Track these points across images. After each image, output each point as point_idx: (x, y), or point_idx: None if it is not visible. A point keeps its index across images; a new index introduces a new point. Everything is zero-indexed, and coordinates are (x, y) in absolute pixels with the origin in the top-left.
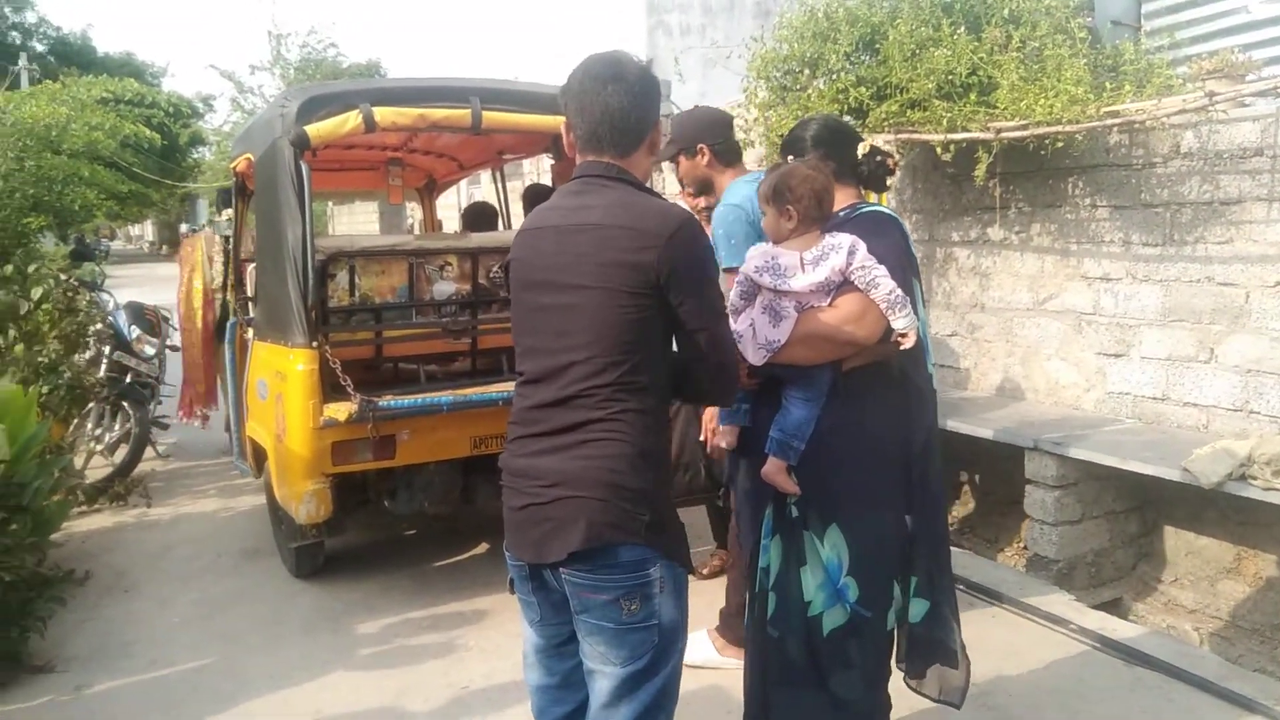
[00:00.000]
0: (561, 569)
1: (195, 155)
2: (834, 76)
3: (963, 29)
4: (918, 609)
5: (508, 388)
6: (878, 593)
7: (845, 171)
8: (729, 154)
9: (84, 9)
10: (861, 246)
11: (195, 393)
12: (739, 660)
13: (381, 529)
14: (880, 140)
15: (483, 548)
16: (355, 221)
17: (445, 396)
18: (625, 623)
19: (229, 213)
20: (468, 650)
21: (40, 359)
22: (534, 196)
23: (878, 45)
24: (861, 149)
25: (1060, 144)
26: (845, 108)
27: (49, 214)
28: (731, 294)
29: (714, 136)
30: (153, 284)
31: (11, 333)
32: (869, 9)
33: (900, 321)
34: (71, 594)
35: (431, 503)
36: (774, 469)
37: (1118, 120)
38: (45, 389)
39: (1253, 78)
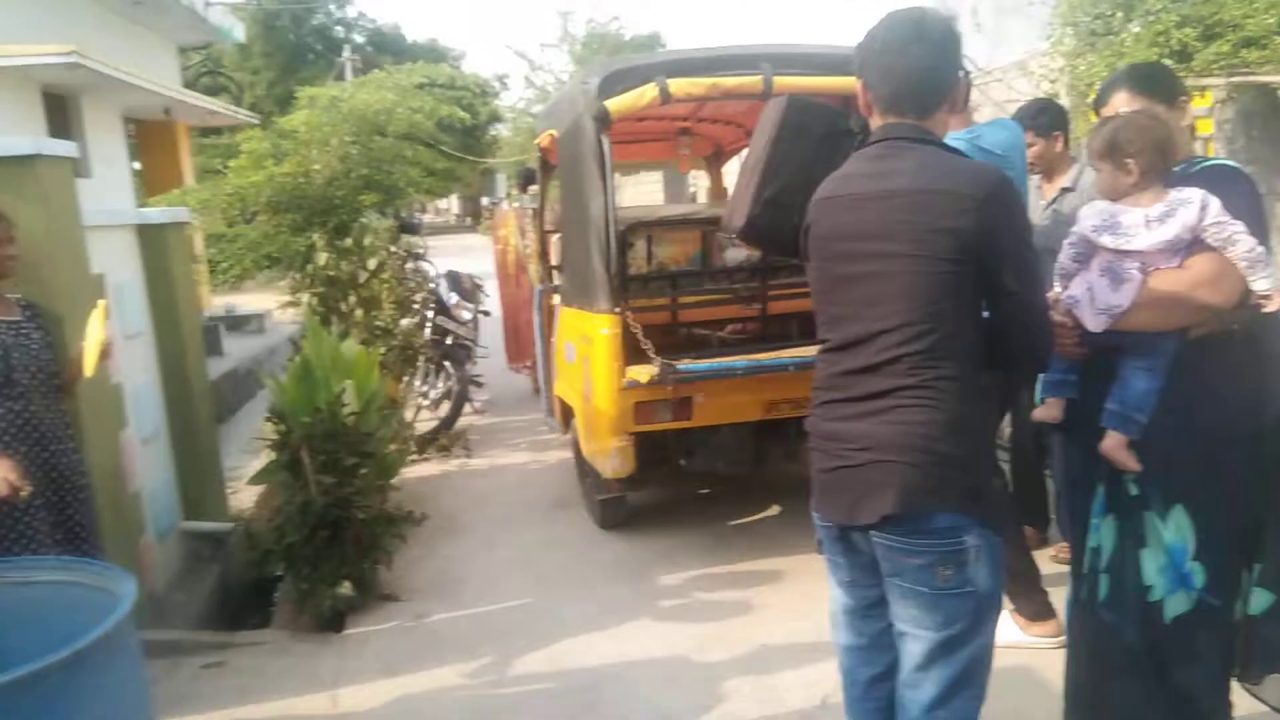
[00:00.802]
0: (872, 532)
1: (493, 131)
2: (1152, 18)
3: None
4: (1260, 600)
5: (800, 353)
6: (1227, 579)
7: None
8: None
9: (395, 1)
10: (1215, 201)
11: (516, 349)
12: (1045, 636)
13: (678, 487)
14: (1214, 83)
15: (775, 510)
16: (640, 192)
17: (740, 361)
18: (940, 588)
19: (534, 189)
20: (767, 608)
21: (377, 323)
22: None
23: None
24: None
25: None
26: (1166, 51)
27: (379, 191)
28: (1062, 255)
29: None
30: (460, 253)
31: (352, 299)
32: None
33: (1262, 283)
34: (411, 532)
35: (725, 464)
36: (1114, 444)
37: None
38: (382, 350)
39: None
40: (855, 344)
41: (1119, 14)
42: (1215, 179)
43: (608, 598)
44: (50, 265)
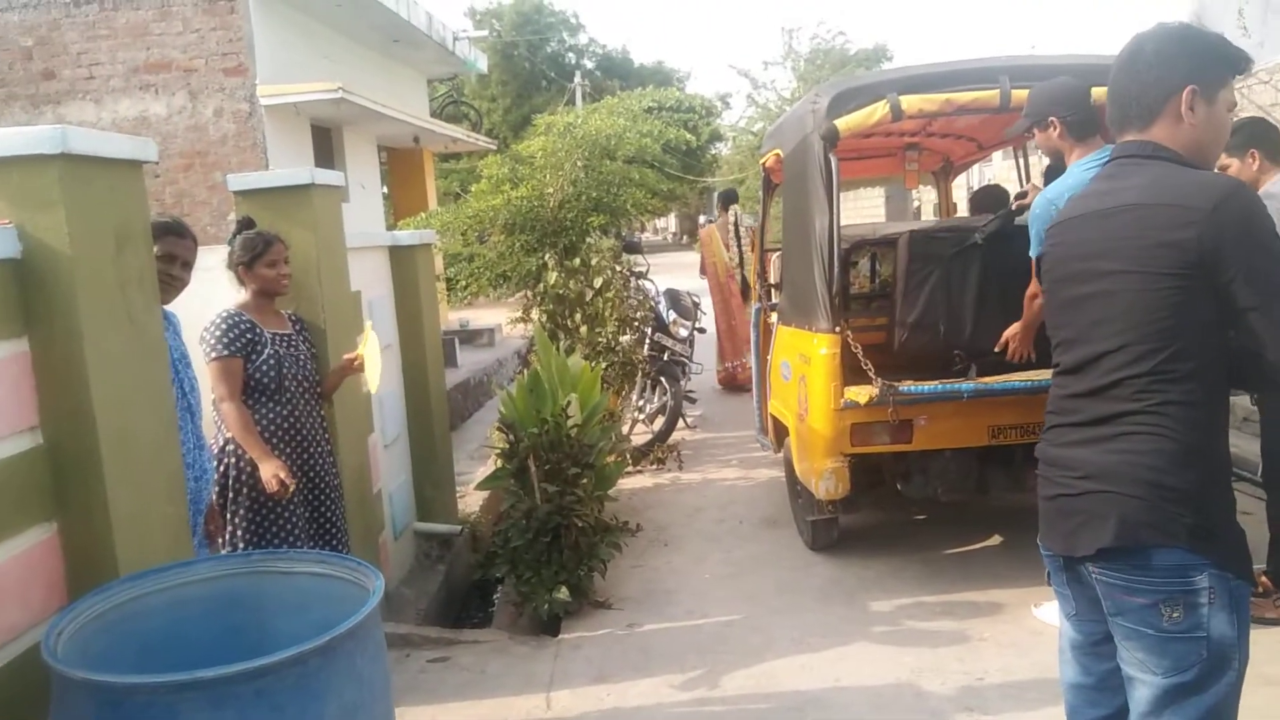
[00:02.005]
0: (1091, 566)
1: (713, 151)
2: None
3: None
4: None
5: (1030, 376)
6: None
7: None
8: (1081, 127)
9: (623, 26)
10: None
11: (731, 347)
12: None
13: (892, 511)
14: None
15: (995, 540)
16: (860, 208)
17: (966, 384)
18: (1166, 630)
19: (735, 208)
20: (983, 641)
21: (599, 339)
22: (982, 200)
23: None
24: None
25: None
26: None
27: (606, 213)
28: None
29: (1066, 109)
30: (677, 271)
31: (578, 315)
32: None
33: None
34: (625, 542)
35: (945, 490)
36: None
37: None
38: (604, 365)
39: None
40: (1082, 367)
41: None
42: None
43: (818, 620)
44: (317, 283)
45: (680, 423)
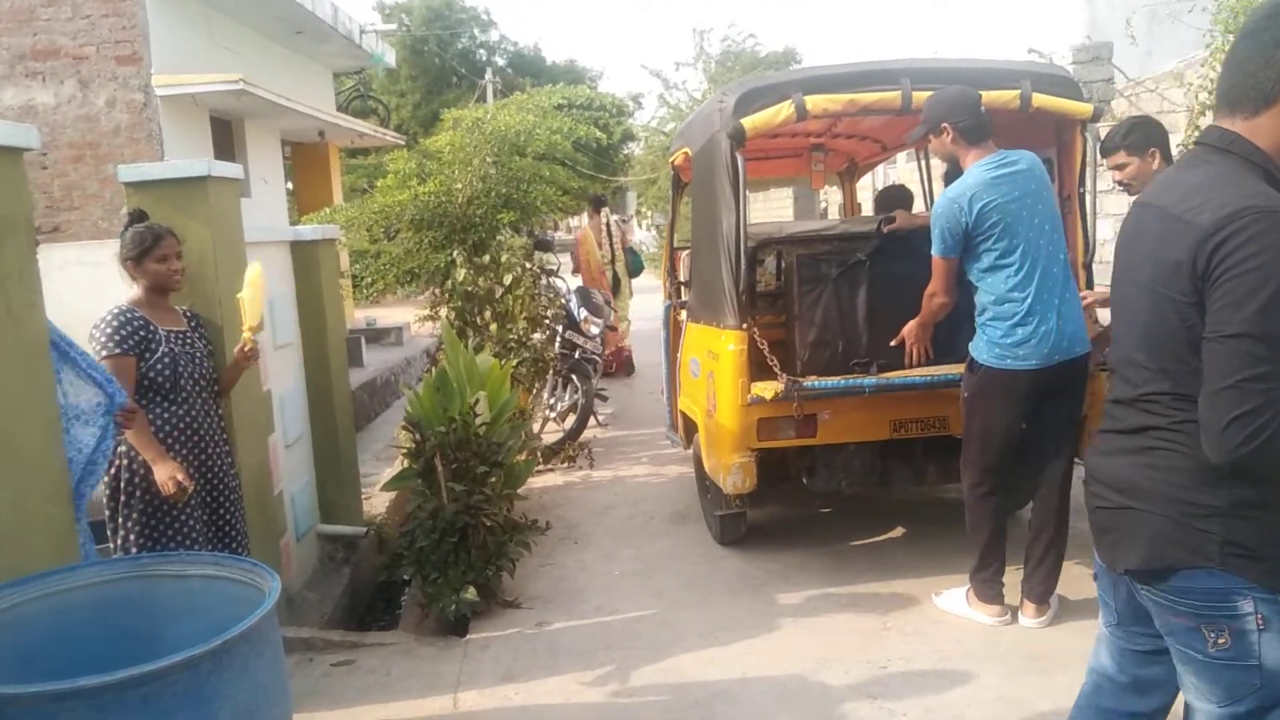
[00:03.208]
0: (1139, 584)
1: (626, 150)
2: None
3: None
4: None
5: (929, 372)
6: None
7: None
8: (971, 133)
9: (535, 24)
10: None
11: None
12: (990, 616)
13: (799, 505)
14: None
15: (899, 531)
16: (770, 207)
17: (868, 380)
18: (1214, 657)
19: (605, 210)
20: (886, 630)
21: (510, 336)
22: (886, 200)
23: None
24: None
25: None
26: None
27: (516, 210)
28: None
29: (957, 115)
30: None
31: (487, 313)
32: None
33: None
34: (534, 541)
35: (849, 483)
36: None
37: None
38: (514, 362)
39: None
40: (1121, 370)
41: None
42: None
43: (725, 614)
44: (213, 279)
45: (592, 420)
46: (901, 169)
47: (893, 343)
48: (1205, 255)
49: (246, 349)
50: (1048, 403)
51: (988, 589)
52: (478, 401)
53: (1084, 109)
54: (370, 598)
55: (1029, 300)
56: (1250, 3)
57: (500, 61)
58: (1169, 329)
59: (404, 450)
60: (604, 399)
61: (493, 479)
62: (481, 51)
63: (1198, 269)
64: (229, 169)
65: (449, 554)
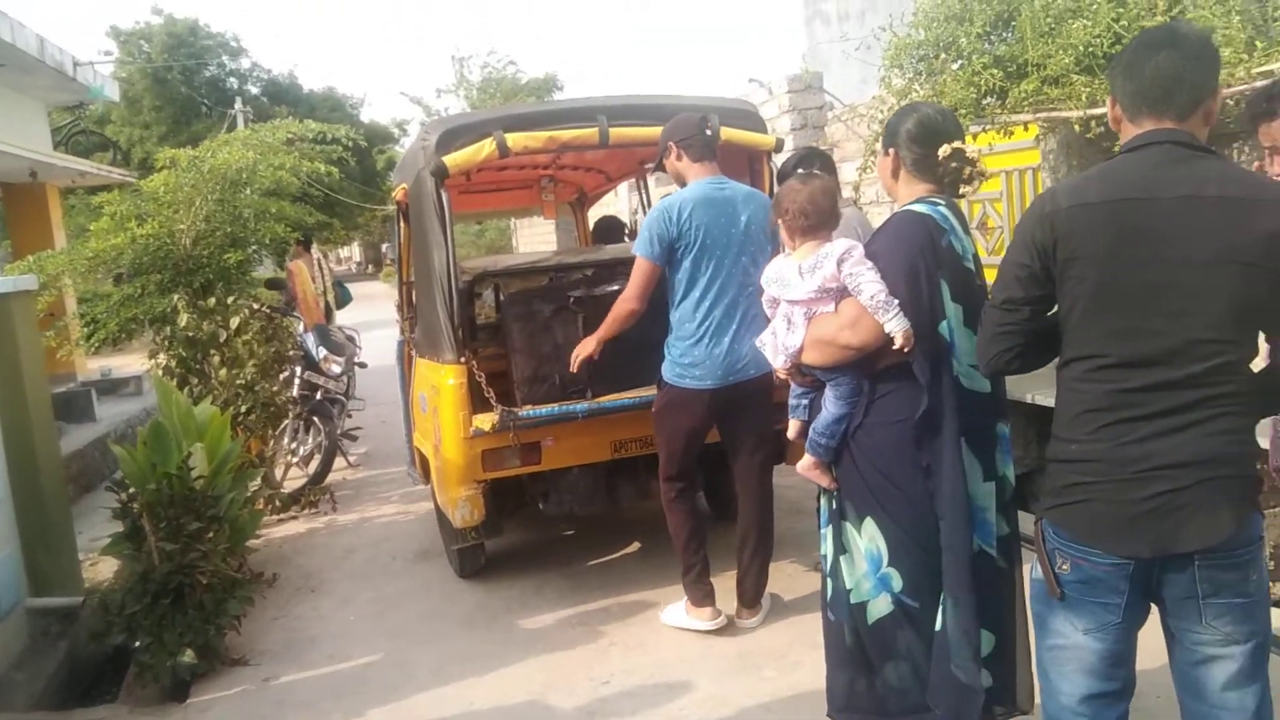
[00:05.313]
0: (1207, 555)
1: (392, 179)
2: (968, 59)
3: None
4: (986, 643)
5: (640, 394)
6: (924, 583)
7: (925, 168)
8: (693, 149)
9: (290, 51)
10: (856, 251)
11: None
12: (703, 620)
13: (542, 530)
14: (1022, 119)
15: (634, 546)
16: (536, 234)
17: (581, 405)
18: (1251, 595)
19: (315, 245)
20: (612, 646)
21: (239, 381)
22: (602, 231)
23: (1014, 23)
24: (943, 151)
25: None
26: (982, 90)
27: (245, 248)
28: (763, 302)
29: (680, 134)
30: (359, 302)
31: (216, 358)
32: None
33: (890, 324)
34: (265, 594)
35: (579, 504)
36: (808, 465)
37: (1270, 81)
38: (244, 408)
39: None
40: (1168, 357)
41: (941, 55)
42: (893, 226)
43: (458, 647)
44: None
45: (340, 462)
46: (622, 201)
47: (573, 369)
48: None
49: None
50: (736, 417)
51: (697, 590)
52: (189, 455)
53: (767, 140)
54: (100, 669)
55: (707, 323)
56: (910, 43)
57: (254, 90)
58: (1258, 300)
59: (112, 512)
60: (353, 439)
61: (210, 534)
62: (232, 80)
63: None
64: None
65: (163, 617)
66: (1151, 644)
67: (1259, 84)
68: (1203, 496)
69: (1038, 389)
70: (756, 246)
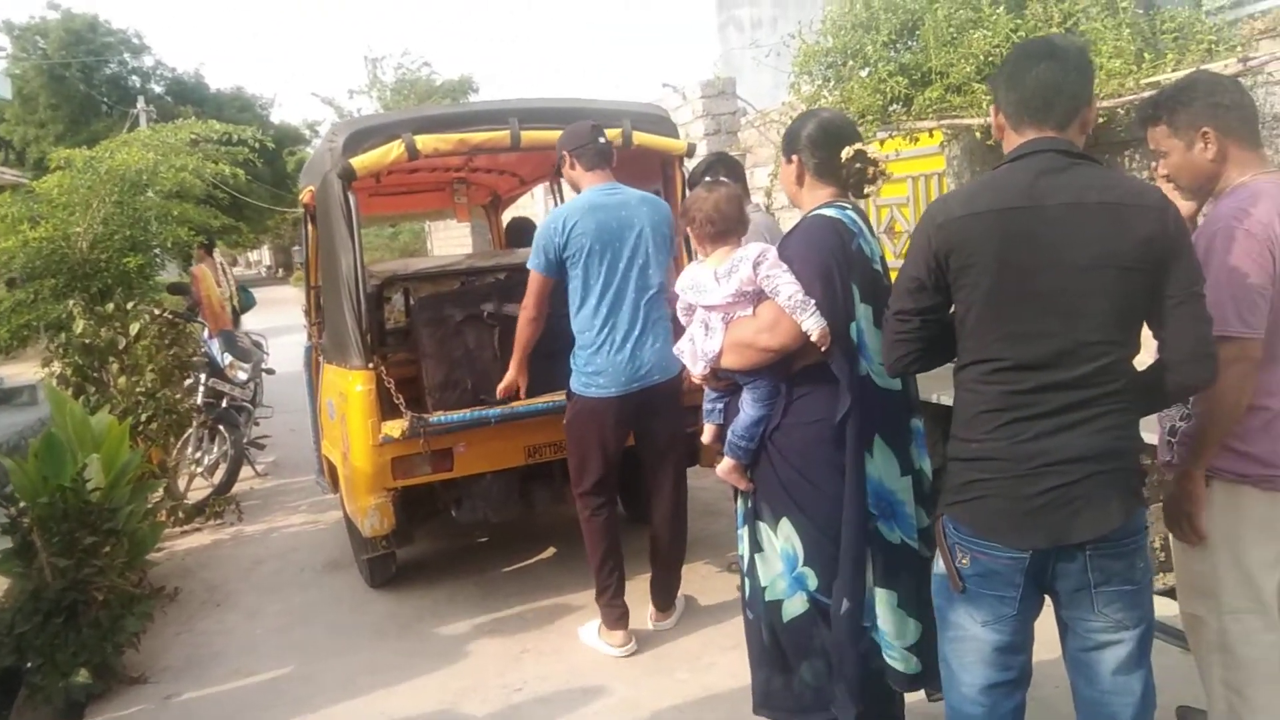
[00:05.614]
0: (1099, 545)
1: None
2: (874, 67)
3: (1002, 9)
4: (913, 631)
5: (553, 398)
6: (841, 582)
7: (829, 171)
8: (585, 158)
9: (196, 50)
10: (771, 254)
11: None
12: (614, 645)
13: (456, 537)
14: (926, 126)
15: (549, 552)
16: (451, 237)
17: (493, 410)
18: (1138, 581)
19: (216, 251)
20: (524, 653)
21: (139, 390)
22: (514, 233)
23: (918, 32)
24: (845, 153)
25: (1103, 119)
26: (888, 97)
27: (146, 252)
28: (677, 309)
29: (572, 143)
30: (270, 306)
31: (114, 366)
32: None
33: (807, 324)
34: (166, 609)
35: (493, 510)
36: (726, 469)
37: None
38: (145, 417)
39: None
40: (1060, 359)
41: (848, 63)
42: (804, 229)
43: (369, 658)
44: None
45: (247, 471)
46: (538, 203)
47: (500, 395)
48: (1169, 228)
49: None
50: (647, 422)
51: (610, 613)
52: (85, 467)
53: (679, 145)
54: None
55: (606, 331)
56: (818, 50)
57: (158, 89)
58: (1137, 301)
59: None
60: (261, 447)
61: (108, 549)
62: (134, 78)
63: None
64: None
65: (55, 636)
66: (1047, 637)
67: (1147, 94)
68: (1093, 490)
69: (944, 390)
70: (653, 251)
